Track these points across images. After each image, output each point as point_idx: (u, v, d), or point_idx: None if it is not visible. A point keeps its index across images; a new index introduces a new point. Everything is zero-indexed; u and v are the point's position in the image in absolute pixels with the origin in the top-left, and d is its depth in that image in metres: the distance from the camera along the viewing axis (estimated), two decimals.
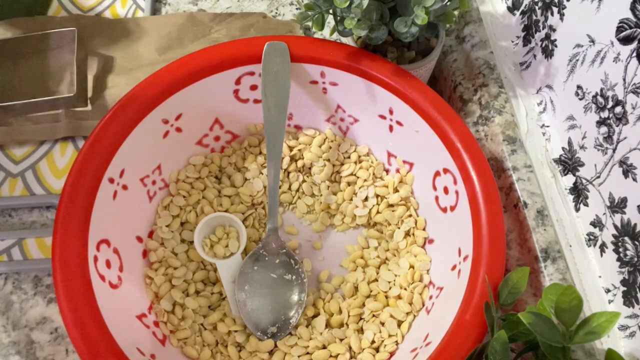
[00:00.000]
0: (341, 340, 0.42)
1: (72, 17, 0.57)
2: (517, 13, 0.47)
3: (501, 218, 0.38)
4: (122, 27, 0.57)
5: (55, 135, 0.51)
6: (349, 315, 0.43)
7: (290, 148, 0.50)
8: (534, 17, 0.45)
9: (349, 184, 0.49)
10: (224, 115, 0.48)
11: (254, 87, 0.46)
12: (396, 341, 0.41)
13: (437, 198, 0.44)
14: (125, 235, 0.42)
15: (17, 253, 0.46)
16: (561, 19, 0.41)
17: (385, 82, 0.44)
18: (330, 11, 0.42)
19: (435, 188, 0.44)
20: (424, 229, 0.46)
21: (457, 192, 0.41)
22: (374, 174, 0.49)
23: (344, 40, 0.48)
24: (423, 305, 0.42)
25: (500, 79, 0.47)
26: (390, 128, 0.47)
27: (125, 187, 0.42)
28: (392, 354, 0.41)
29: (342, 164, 0.49)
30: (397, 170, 0.48)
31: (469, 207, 0.39)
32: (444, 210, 0.43)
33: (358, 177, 0.49)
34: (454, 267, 0.40)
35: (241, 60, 0.44)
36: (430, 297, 0.41)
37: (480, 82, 0.48)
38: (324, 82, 0.46)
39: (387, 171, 0.49)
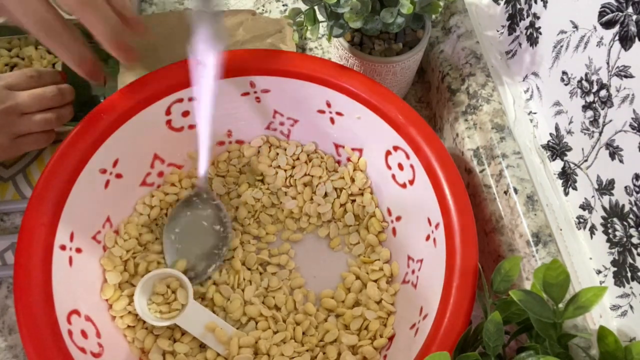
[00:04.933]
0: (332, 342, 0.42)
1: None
2: (502, 2, 0.48)
3: (459, 178, 0.40)
4: None
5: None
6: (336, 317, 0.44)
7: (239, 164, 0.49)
8: (518, 6, 0.45)
9: (305, 184, 0.49)
10: (162, 148, 0.46)
11: (185, 114, 0.46)
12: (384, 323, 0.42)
13: (393, 176, 0.45)
14: (93, 299, 0.40)
15: (11, 257, 0.46)
16: (544, 6, 0.41)
17: (316, 77, 0.44)
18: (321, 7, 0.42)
19: (389, 167, 0.45)
20: (383, 220, 0.47)
21: (412, 166, 0.42)
22: (326, 168, 0.49)
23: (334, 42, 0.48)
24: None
25: (487, 68, 0.48)
26: (332, 120, 0.47)
27: (79, 250, 0.40)
28: (390, 338, 0.41)
29: (294, 167, 0.49)
30: (349, 159, 0.48)
31: (427, 177, 0.40)
32: (403, 185, 0.44)
33: (312, 176, 0.49)
34: (428, 237, 0.41)
35: (168, 89, 0.43)
36: (413, 272, 0.42)
37: (468, 72, 0.48)
38: (255, 92, 0.46)
39: (338, 163, 0.50)
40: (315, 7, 0.42)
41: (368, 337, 0.42)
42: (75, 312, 0.38)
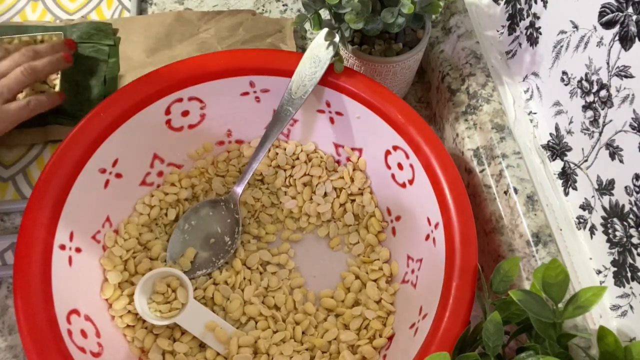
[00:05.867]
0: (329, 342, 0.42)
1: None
2: (502, 2, 0.48)
3: (459, 178, 0.40)
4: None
5: (42, 139, 0.50)
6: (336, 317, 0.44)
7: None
8: (518, 6, 0.45)
9: (305, 184, 0.49)
10: (161, 148, 0.46)
11: (185, 113, 0.46)
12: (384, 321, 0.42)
13: (393, 175, 0.45)
14: (93, 299, 0.40)
15: (11, 257, 0.46)
16: (545, 6, 0.41)
17: None
18: (324, 10, 0.42)
19: (389, 167, 0.45)
20: (382, 220, 0.47)
21: (411, 166, 0.42)
22: (326, 168, 0.49)
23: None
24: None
25: (487, 69, 0.48)
26: (332, 120, 0.47)
27: (78, 250, 0.40)
28: (390, 338, 0.41)
29: (293, 167, 0.49)
30: (348, 159, 0.48)
31: (426, 176, 0.41)
32: (403, 185, 0.44)
33: (312, 176, 0.49)
34: (427, 237, 0.41)
35: (167, 89, 0.43)
36: (413, 271, 0.42)
37: (468, 72, 0.48)
38: (255, 92, 0.46)
39: (338, 162, 0.50)
40: (320, 11, 0.42)
41: (367, 336, 0.42)
42: (75, 311, 0.38)
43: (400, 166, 0.44)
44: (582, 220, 0.39)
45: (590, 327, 0.37)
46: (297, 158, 0.49)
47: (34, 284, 0.35)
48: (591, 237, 0.38)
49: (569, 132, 0.40)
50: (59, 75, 0.52)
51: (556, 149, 0.42)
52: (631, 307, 0.35)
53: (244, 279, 0.45)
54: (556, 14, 0.40)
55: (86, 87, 0.53)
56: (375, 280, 0.45)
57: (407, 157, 0.43)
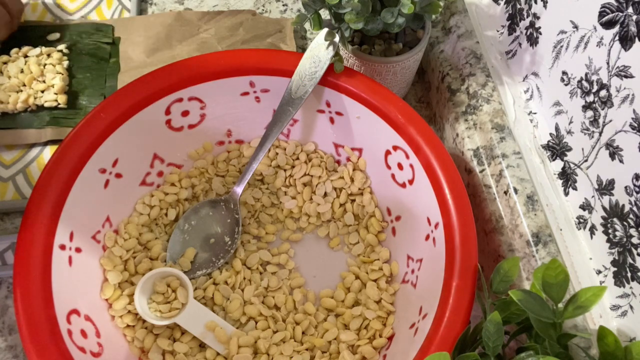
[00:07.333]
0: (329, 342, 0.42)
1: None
2: (502, 2, 0.48)
3: (459, 178, 0.40)
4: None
5: (40, 139, 0.50)
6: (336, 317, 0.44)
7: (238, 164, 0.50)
8: (518, 6, 0.45)
9: (305, 184, 0.49)
10: (161, 148, 0.46)
11: (185, 113, 0.46)
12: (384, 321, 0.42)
13: (393, 175, 0.45)
14: (92, 299, 0.40)
15: (11, 257, 0.46)
16: (545, 6, 0.41)
17: None
18: (324, 10, 0.42)
19: (389, 167, 0.45)
20: (382, 220, 0.47)
21: (411, 166, 0.42)
22: (326, 168, 0.49)
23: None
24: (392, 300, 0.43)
25: (487, 69, 0.48)
26: (332, 120, 0.47)
27: (78, 250, 0.40)
28: (390, 338, 0.41)
29: (293, 167, 0.49)
30: (348, 159, 0.49)
31: (426, 176, 0.41)
32: (403, 185, 0.44)
33: (312, 176, 0.49)
34: (427, 237, 0.41)
35: (167, 89, 0.43)
36: (413, 271, 0.42)
37: (468, 72, 0.48)
38: (255, 92, 0.46)
39: (338, 162, 0.50)
40: (320, 11, 0.42)
41: (367, 336, 0.42)
42: (75, 311, 0.38)
43: (400, 166, 0.44)
44: (582, 220, 0.39)
45: (590, 327, 0.37)
46: (297, 158, 0.49)
47: (34, 284, 0.35)
48: (591, 237, 0.38)
49: (569, 132, 0.40)
50: (56, 75, 0.52)
51: (556, 149, 0.42)
52: (631, 307, 0.35)
53: (244, 279, 0.45)
54: (556, 14, 0.40)
55: (86, 86, 0.53)
56: (375, 280, 0.45)
57: (407, 157, 0.43)
